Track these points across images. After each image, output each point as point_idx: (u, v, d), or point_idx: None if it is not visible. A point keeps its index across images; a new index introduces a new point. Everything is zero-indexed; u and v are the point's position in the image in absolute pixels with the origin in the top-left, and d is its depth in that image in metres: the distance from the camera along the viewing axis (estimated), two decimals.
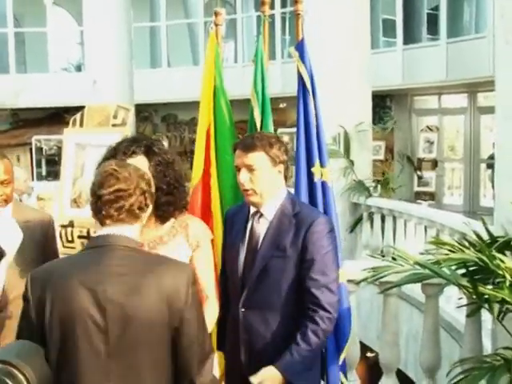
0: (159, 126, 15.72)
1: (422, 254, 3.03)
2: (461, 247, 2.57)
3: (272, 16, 13.03)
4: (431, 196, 11.89)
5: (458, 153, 13.06)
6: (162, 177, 2.36)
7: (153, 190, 2.00)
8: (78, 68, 16.04)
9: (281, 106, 13.05)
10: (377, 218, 7.62)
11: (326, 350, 2.67)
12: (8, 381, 1.49)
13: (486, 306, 2.45)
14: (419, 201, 11.22)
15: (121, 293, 1.77)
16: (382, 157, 12.32)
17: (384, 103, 13.05)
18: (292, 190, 2.76)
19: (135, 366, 1.77)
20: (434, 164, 12.19)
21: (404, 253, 2.66)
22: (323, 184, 2.85)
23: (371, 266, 2.73)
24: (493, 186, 6.92)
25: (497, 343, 2.88)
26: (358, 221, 8.17)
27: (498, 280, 2.39)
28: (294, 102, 2.98)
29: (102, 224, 1.89)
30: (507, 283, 2.31)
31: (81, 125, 4.60)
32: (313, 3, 7.64)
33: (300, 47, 2.95)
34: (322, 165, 2.86)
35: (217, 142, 2.97)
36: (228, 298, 2.50)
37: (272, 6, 12.87)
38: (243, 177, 2.36)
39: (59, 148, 10.28)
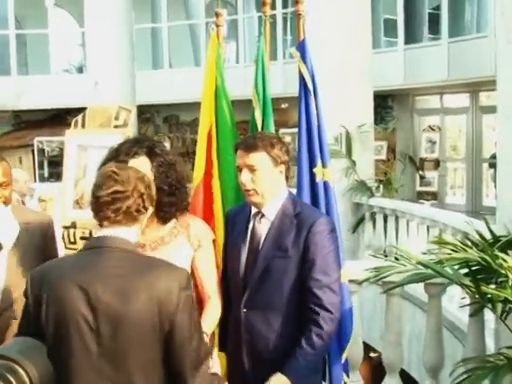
0: (161, 127, 15.73)
1: (424, 253, 3.03)
2: (463, 247, 2.56)
3: (273, 16, 13.03)
4: (433, 196, 11.89)
5: (460, 152, 13.05)
6: (164, 178, 2.36)
7: (153, 192, 2.00)
8: (80, 69, 16.07)
9: (282, 106, 13.04)
10: (379, 218, 7.61)
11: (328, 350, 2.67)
12: (9, 376, 1.50)
13: (489, 305, 2.45)
14: (421, 200, 11.21)
15: (112, 294, 1.78)
16: (384, 157, 12.32)
17: (386, 103, 13.05)
18: (294, 191, 2.76)
19: (126, 368, 1.79)
20: (436, 164, 12.18)
21: (406, 252, 2.66)
22: (325, 184, 2.85)
23: (374, 265, 2.73)
24: (495, 186, 6.91)
25: (500, 343, 2.87)
26: (360, 221, 8.16)
27: (500, 279, 2.39)
28: (296, 102, 2.98)
29: (100, 225, 1.91)
30: (510, 283, 2.31)
31: (83, 126, 4.60)
32: (314, 3, 7.64)
33: (301, 47, 2.95)
34: (323, 165, 2.86)
35: (218, 142, 2.97)
36: (230, 298, 2.50)
37: (273, 7, 12.88)
38: (245, 177, 2.36)
39: (61, 149, 10.29)
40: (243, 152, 2.37)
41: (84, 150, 4.42)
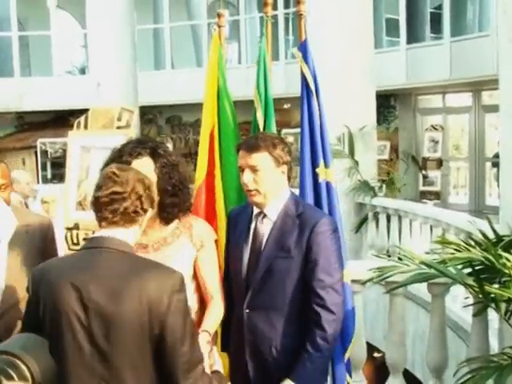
0: (164, 128, 15.74)
1: (427, 253, 3.03)
2: (466, 246, 2.56)
3: (275, 17, 13.03)
4: (436, 195, 11.87)
5: (463, 152, 13.03)
6: (167, 179, 2.37)
7: (153, 194, 2.02)
8: (82, 71, 16.09)
9: (285, 106, 13.05)
10: (382, 218, 7.61)
11: None
12: (11, 371, 1.50)
13: (493, 305, 2.45)
14: (424, 200, 11.19)
15: (104, 294, 1.81)
16: (386, 156, 12.31)
17: (388, 103, 13.04)
18: (297, 191, 2.76)
19: (117, 367, 1.81)
20: (439, 163, 12.16)
21: (410, 252, 2.66)
22: (327, 184, 2.85)
23: (377, 265, 2.72)
24: (498, 185, 6.90)
25: (504, 342, 2.87)
26: (363, 221, 8.16)
27: (504, 279, 2.38)
28: (298, 102, 2.98)
29: (99, 226, 1.94)
30: None
31: (85, 127, 4.62)
32: (315, 4, 7.62)
33: (303, 48, 2.95)
34: (326, 165, 2.86)
35: (221, 143, 2.97)
36: (232, 298, 2.50)
37: (275, 7, 12.90)
38: (247, 177, 2.36)
39: (64, 151, 10.30)
40: (245, 152, 2.37)
41: (87, 152, 4.43)
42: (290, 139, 10.76)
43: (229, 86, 3.03)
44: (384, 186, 8.39)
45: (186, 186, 2.46)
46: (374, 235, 7.78)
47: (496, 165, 10.72)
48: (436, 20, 12.30)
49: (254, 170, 2.35)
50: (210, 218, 2.86)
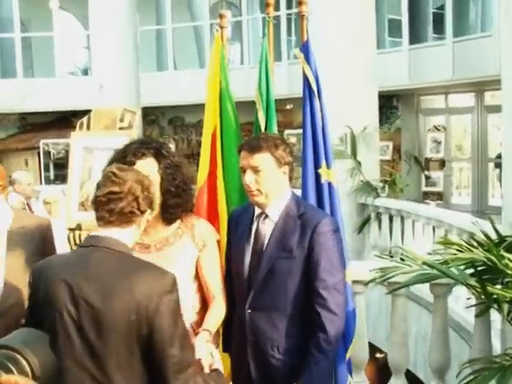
0: (166, 129, 15.75)
1: (430, 254, 3.03)
2: (469, 247, 2.55)
3: (277, 17, 13.05)
4: (439, 196, 11.85)
5: (466, 152, 13.01)
6: (171, 179, 2.38)
7: (152, 195, 2.03)
8: (85, 72, 16.11)
9: (287, 107, 13.04)
10: (385, 219, 7.60)
11: None
12: (10, 365, 1.50)
13: (495, 305, 2.44)
14: (427, 201, 11.18)
15: (94, 292, 1.84)
16: (389, 157, 12.30)
17: (391, 103, 13.03)
18: (299, 192, 2.76)
19: (105, 364, 1.84)
20: (442, 164, 12.15)
21: (412, 253, 2.66)
22: (329, 185, 2.85)
23: (379, 266, 2.72)
24: (501, 185, 6.89)
25: (506, 343, 2.87)
26: (365, 221, 8.15)
27: (506, 279, 2.38)
28: (301, 103, 2.98)
29: (98, 225, 1.96)
30: None
31: (88, 128, 4.64)
32: (317, 4, 7.64)
33: (305, 49, 2.95)
34: (328, 166, 2.86)
35: (223, 143, 2.98)
36: (233, 298, 2.50)
37: (277, 8, 12.91)
38: (248, 178, 2.36)
39: (67, 152, 10.31)
40: (247, 153, 2.37)
41: (89, 152, 4.44)
42: (293, 140, 10.74)
43: (231, 87, 3.03)
44: (386, 186, 8.38)
45: (189, 186, 2.47)
46: (377, 236, 7.77)
47: (499, 165, 10.69)
48: (438, 20, 12.29)
49: (255, 170, 2.35)
50: (212, 218, 2.86)
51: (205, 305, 2.48)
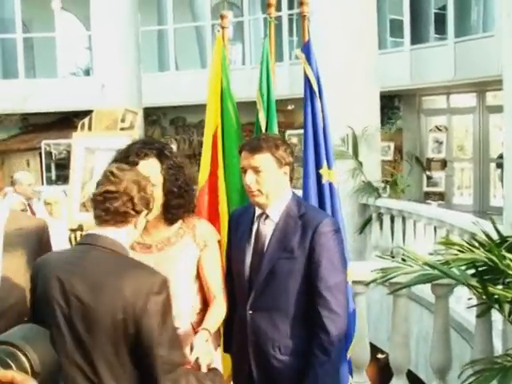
0: (168, 129, 15.76)
1: (431, 254, 3.02)
2: (470, 247, 2.55)
3: (279, 18, 13.04)
4: (441, 196, 11.85)
5: (468, 152, 13.00)
6: (173, 180, 2.38)
7: (149, 196, 2.03)
8: (87, 72, 16.13)
9: (289, 107, 13.04)
10: (386, 219, 7.60)
11: None
12: (9, 361, 1.51)
13: (497, 306, 2.44)
14: (429, 201, 11.17)
15: (84, 290, 1.86)
16: (390, 157, 12.29)
17: (392, 104, 13.02)
18: (300, 192, 2.76)
19: (92, 360, 1.86)
20: (443, 164, 12.15)
21: (413, 253, 2.66)
22: (330, 185, 2.85)
23: (380, 266, 2.72)
24: (502, 186, 6.88)
25: (507, 343, 2.87)
26: (367, 222, 8.15)
27: (507, 280, 2.38)
28: (302, 103, 2.98)
29: (95, 223, 1.99)
30: None
31: (89, 129, 4.64)
32: (319, 5, 7.64)
33: (306, 49, 2.95)
34: (329, 166, 2.86)
35: (224, 144, 2.98)
36: (234, 299, 2.50)
37: (279, 8, 12.90)
38: (249, 178, 2.36)
39: (68, 152, 10.32)
40: (248, 153, 2.37)
41: (91, 153, 4.45)
42: (294, 140, 10.74)
43: (232, 87, 3.03)
44: (388, 186, 8.38)
45: (191, 187, 2.47)
46: (378, 236, 7.77)
47: (500, 166, 10.68)
48: (440, 20, 12.28)
49: (256, 170, 2.35)
50: (213, 218, 2.86)
51: (206, 305, 2.48)
